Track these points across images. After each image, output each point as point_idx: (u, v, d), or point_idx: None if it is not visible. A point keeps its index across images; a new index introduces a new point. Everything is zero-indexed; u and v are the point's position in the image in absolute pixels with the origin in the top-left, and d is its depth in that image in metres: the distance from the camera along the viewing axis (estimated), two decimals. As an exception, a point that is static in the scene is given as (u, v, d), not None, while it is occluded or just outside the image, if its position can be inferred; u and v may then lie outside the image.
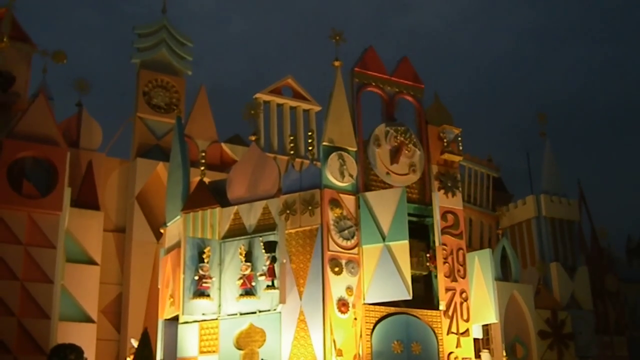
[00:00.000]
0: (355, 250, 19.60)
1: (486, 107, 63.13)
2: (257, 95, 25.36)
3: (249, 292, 19.35)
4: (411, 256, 20.13)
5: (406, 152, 21.27)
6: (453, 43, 68.91)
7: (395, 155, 21.14)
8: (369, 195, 20.07)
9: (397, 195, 19.83)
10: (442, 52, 65.15)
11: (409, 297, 19.05)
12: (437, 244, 20.66)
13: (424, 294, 20.69)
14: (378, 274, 19.30)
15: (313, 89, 26.52)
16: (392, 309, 19.61)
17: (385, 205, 19.68)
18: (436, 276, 20.56)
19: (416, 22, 69.56)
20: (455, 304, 20.52)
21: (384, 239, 19.48)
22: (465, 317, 20.71)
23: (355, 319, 18.92)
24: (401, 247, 19.37)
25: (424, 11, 70.55)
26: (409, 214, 20.70)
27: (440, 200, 21.20)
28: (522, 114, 58.69)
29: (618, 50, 69.59)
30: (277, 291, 19.08)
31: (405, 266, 19.20)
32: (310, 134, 22.10)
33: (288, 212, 19.78)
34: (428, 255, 20.67)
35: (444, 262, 20.62)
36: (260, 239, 19.64)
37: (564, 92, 66.27)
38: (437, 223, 20.80)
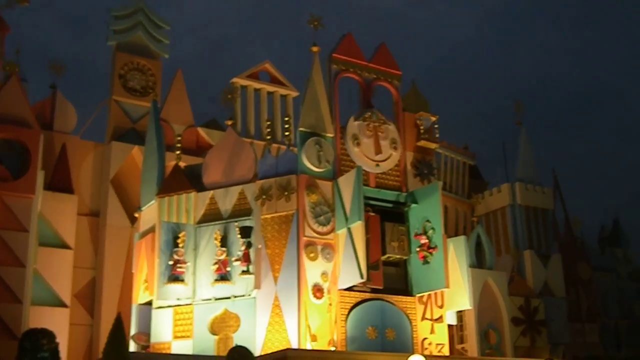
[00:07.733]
0: (330, 236, 19.60)
1: (452, 90, 60.79)
2: (234, 79, 25.13)
3: (223, 277, 19.31)
4: (393, 240, 20.22)
5: (381, 137, 21.25)
6: (413, 24, 66.77)
7: (371, 142, 21.10)
8: (340, 180, 20.05)
9: (353, 175, 19.57)
10: (402, 33, 62.32)
11: (363, 280, 18.75)
12: (442, 231, 20.35)
13: (403, 279, 20.68)
14: (343, 259, 19.24)
15: (286, 72, 26.24)
16: (366, 295, 19.66)
17: (348, 188, 19.53)
18: (427, 262, 20.24)
19: (375, 1, 66.65)
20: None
21: (347, 222, 19.41)
22: (439, 303, 20.82)
23: (330, 304, 18.95)
24: (357, 228, 19.03)
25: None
26: (386, 201, 20.81)
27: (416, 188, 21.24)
28: (494, 100, 58.10)
29: (589, 35, 68.91)
30: (252, 276, 19.07)
31: (360, 248, 18.79)
32: (287, 119, 21.98)
33: (264, 197, 19.71)
34: (422, 242, 20.41)
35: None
36: (236, 224, 19.59)
37: (534, 77, 65.51)
38: (442, 212, 20.56)
